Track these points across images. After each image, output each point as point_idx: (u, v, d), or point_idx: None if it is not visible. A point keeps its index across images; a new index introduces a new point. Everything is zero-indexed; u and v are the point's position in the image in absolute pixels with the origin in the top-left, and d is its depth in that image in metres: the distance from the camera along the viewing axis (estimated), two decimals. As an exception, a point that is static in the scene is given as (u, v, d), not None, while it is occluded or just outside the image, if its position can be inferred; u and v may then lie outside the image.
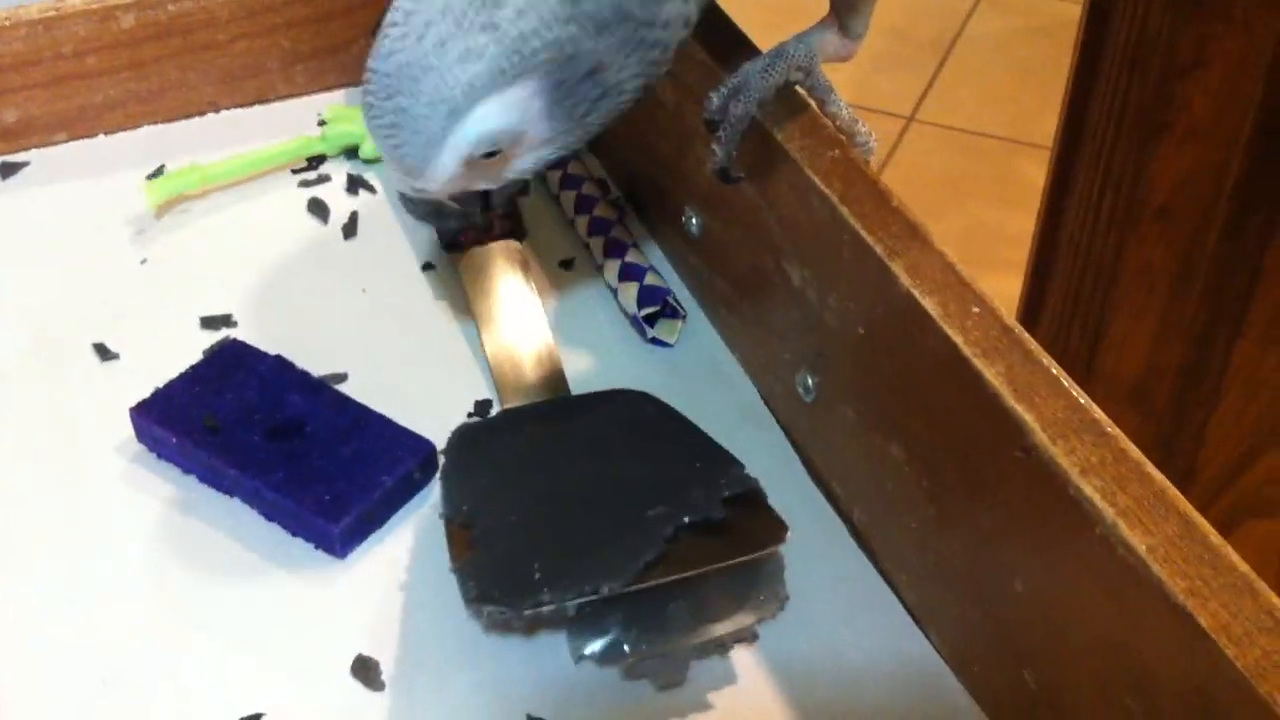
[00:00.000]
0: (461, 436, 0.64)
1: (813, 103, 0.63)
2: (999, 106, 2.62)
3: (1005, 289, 1.77)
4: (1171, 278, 1.36)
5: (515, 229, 0.76)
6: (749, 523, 0.57)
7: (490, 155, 0.52)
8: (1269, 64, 1.19)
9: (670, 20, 0.52)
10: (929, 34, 2.83)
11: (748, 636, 0.57)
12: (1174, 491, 0.45)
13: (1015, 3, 2.94)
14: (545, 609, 0.54)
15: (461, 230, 0.64)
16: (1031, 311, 1.44)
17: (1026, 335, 0.51)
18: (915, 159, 2.50)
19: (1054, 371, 0.49)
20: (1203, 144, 1.27)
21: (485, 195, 0.57)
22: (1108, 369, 1.43)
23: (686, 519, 0.55)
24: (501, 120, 0.50)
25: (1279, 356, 1.34)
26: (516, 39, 0.48)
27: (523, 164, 0.55)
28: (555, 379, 0.69)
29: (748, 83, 0.60)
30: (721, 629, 0.56)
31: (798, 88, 0.63)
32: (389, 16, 0.51)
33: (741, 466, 0.59)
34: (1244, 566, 0.43)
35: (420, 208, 0.57)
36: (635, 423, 0.64)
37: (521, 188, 0.58)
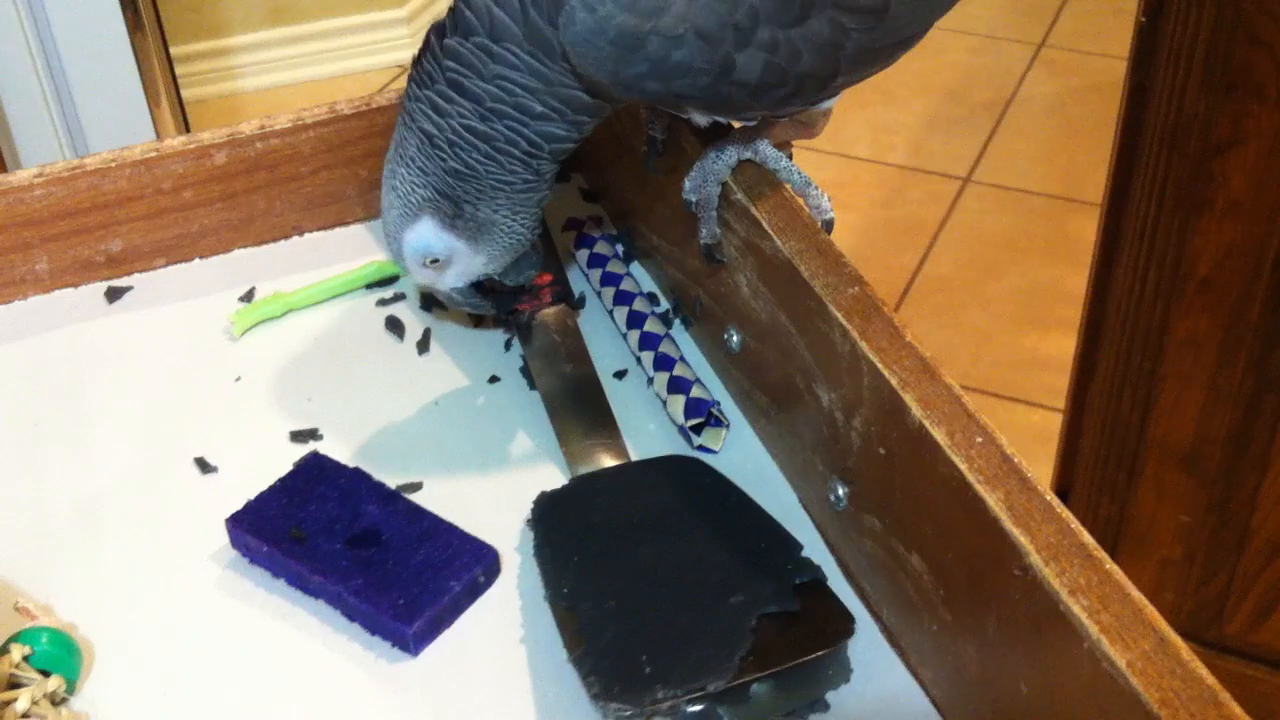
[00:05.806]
0: (544, 507, 0.73)
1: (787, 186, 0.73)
2: (1053, 165, 2.65)
3: (1062, 348, 1.80)
4: (1217, 347, 1.39)
5: (565, 294, 0.86)
6: (819, 612, 0.66)
7: (435, 262, 0.74)
8: (1305, 142, 1.22)
9: (525, 172, 0.71)
10: (984, 96, 2.87)
11: (821, 706, 0.65)
12: (1152, 610, 0.51)
13: (1068, 62, 2.98)
14: (664, 706, 0.62)
15: (511, 307, 0.81)
16: (1084, 377, 1.47)
17: (1023, 464, 0.56)
18: (972, 219, 2.54)
19: (1048, 499, 0.55)
20: (1243, 218, 1.30)
21: (498, 292, 0.79)
22: (1159, 436, 1.45)
23: (767, 609, 0.65)
24: (417, 242, 0.73)
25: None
26: (405, 194, 0.72)
27: (454, 275, 0.75)
28: (611, 434, 0.78)
29: (705, 168, 0.74)
30: (798, 701, 0.64)
31: (761, 165, 0.74)
32: None
33: (800, 548, 0.69)
34: (1211, 680, 0.48)
35: (454, 301, 0.79)
36: (695, 491, 0.74)
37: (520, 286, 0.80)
